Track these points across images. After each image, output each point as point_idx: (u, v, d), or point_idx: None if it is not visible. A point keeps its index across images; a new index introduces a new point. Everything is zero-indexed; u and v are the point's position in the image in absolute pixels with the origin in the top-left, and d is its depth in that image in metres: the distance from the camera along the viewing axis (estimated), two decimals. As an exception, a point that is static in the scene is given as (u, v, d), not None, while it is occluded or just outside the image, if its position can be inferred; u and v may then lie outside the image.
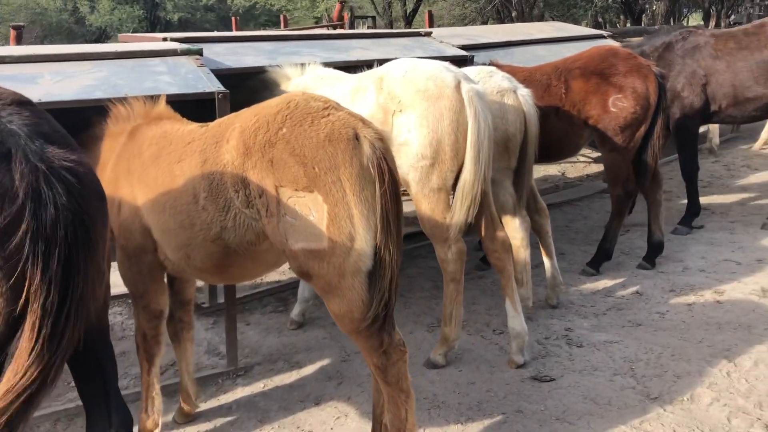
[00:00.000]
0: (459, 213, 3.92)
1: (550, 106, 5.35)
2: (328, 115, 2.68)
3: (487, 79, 4.65)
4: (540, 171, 9.39)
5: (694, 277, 5.54)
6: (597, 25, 15.38)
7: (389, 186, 2.67)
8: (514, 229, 4.73)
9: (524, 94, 4.64)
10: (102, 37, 38.62)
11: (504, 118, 4.58)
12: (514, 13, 19.29)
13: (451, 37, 6.92)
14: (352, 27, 11.34)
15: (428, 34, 6.60)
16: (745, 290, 5.19)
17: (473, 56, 6.24)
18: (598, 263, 5.72)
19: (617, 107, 5.19)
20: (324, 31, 9.40)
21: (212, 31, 22.95)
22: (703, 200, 7.80)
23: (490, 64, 5.74)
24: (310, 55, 5.36)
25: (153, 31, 43.66)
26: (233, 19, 17.92)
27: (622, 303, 5.14)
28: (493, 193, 4.67)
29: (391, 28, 25.50)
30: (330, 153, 2.59)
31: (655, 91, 5.20)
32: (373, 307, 2.70)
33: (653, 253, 5.79)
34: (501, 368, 4.28)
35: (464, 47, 6.63)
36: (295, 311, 4.98)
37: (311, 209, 2.63)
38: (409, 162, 3.96)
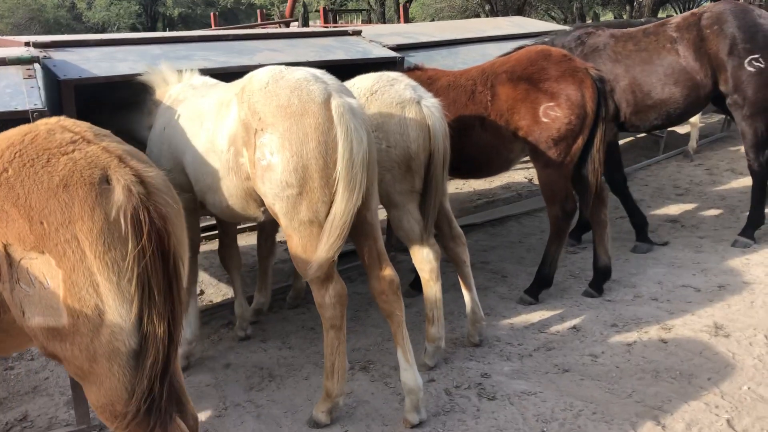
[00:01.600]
0: (322, 249, 3.29)
1: (474, 116, 4.71)
2: (72, 151, 2.08)
3: (386, 89, 4.03)
4: (504, 177, 8.74)
5: (643, 308, 4.89)
6: (582, 18, 14.64)
7: (151, 242, 2.05)
8: (421, 260, 4.12)
9: (429, 105, 4.01)
10: (102, 32, 38.07)
11: (404, 133, 3.95)
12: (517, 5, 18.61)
13: (388, 36, 6.29)
14: (306, 23, 10.71)
15: (357, 33, 5.97)
16: (696, 326, 4.54)
17: (403, 57, 5.61)
18: (536, 291, 5.08)
19: (549, 117, 4.54)
20: (267, 29, 8.79)
21: (211, 26, 22.42)
22: (675, 210, 7.17)
23: (414, 68, 5.12)
24: (203, 59, 4.76)
25: (154, 27, 43.27)
26: (212, 15, 17.39)
27: (554, 341, 4.51)
28: (395, 219, 4.08)
29: (384, 21, 24.86)
30: (64, 203, 1.99)
31: (593, 97, 4.54)
32: (135, 396, 2.09)
33: (600, 279, 5.14)
34: (396, 427, 3.67)
35: (399, 47, 6.02)
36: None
37: (45, 275, 2.03)
38: (273, 191, 3.35)
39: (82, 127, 2.22)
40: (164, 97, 4.21)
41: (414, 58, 6.01)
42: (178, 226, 2.23)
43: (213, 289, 5.60)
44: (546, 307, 5.03)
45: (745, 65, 5.36)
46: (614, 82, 5.55)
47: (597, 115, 4.59)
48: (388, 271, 3.59)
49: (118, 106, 4.64)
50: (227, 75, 4.37)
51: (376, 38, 6.12)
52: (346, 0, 31.11)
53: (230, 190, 3.65)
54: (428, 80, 4.94)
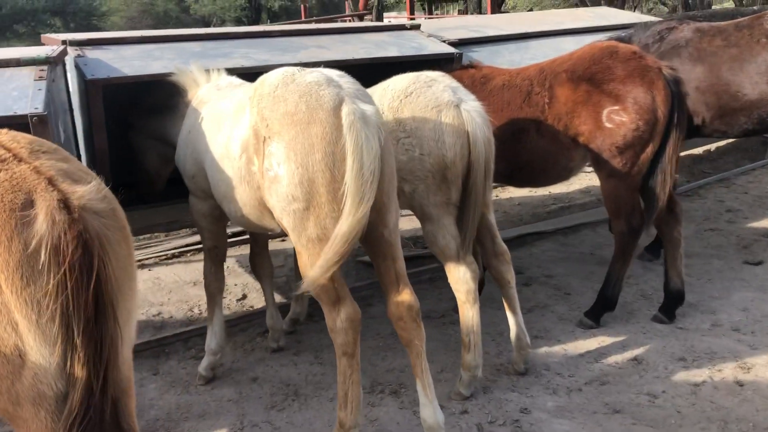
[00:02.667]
0: (320, 263, 2.96)
1: (530, 119, 4.26)
2: (-2, 171, 1.85)
3: (422, 91, 3.66)
4: (584, 180, 8.12)
5: (721, 340, 4.29)
6: (688, 6, 13.49)
7: (73, 275, 1.81)
8: (457, 280, 3.75)
9: (470, 108, 3.61)
10: (205, 26, 39.34)
11: (439, 140, 3.57)
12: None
13: (452, 29, 5.90)
14: (379, 17, 10.36)
15: (415, 27, 5.60)
16: (781, 367, 3.92)
17: (461, 53, 5.20)
18: (598, 314, 4.57)
19: (613, 122, 4.03)
20: (337, 24, 8.54)
21: (311, 17, 22.52)
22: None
23: (468, 65, 4.71)
24: (243, 56, 4.55)
25: (258, 19, 44.27)
26: (302, 7, 17.38)
27: (610, 374, 4.01)
28: (428, 234, 3.73)
29: (480, 12, 24.20)
30: (-21, 231, 1.77)
31: (665, 101, 3.99)
32: None
33: (671, 304, 4.57)
34: (415, 466, 3.33)
35: (462, 42, 5.62)
36: (203, 364, 4.20)
37: (-40, 311, 1.82)
38: (280, 204, 3.07)
39: (21, 142, 2.01)
40: (193, 99, 4.02)
41: (478, 54, 5.59)
42: (120, 254, 1.98)
43: (256, 294, 5.41)
44: (607, 333, 4.51)
45: None
46: (694, 83, 4.90)
47: (669, 120, 4.03)
48: (407, 296, 3.24)
49: (155, 109, 4.49)
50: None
51: (438, 32, 5.73)
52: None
53: (244, 200, 3.41)
54: (482, 79, 4.53)
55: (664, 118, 4.01)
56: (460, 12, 25.99)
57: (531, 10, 26.36)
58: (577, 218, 6.82)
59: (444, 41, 5.46)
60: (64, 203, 1.84)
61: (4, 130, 2.09)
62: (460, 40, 5.60)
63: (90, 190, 1.91)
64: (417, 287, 5.36)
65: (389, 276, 3.25)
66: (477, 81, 4.53)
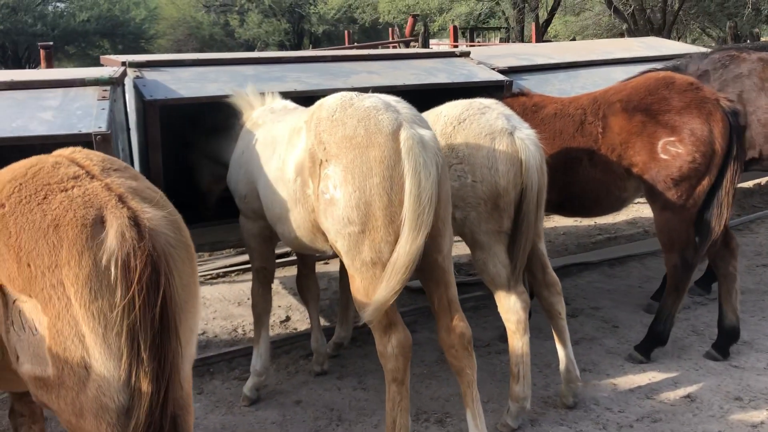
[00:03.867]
0: (381, 292, 2.96)
1: (583, 149, 4.22)
2: (72, 188, 1.90)
3: (475, 117, 3.65)
4: (630, 211, 7.99)
5: (778, 380, 4.15)
6: (737, 38, 13.29)
7: (142, 292, 1.83)
8: (508, 310, 3.70)
9: (524, 136, 3.59)
10: (248, 49, 40.03)
11: (492, 167, 3.56)
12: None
13: (501, 57, 5.89)
14: (425, 44, 10.41)
15: (465, 54, 5.61)
16: (843, 410, 3.77)
17: (511, 81, 5.19)
18: (648, 349, 4.46)
19: (669, 154, 3.97)
20: (387, 50, 8.60)
21: (353, 43, 22.85)
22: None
23: (519, 93, 4.70)
24: (296, 80, 4.61)
25: (300, 43, 44.97)
26: (346, 33, 17.59)
27: (662, 411, 3.90)
28: (479, 262, 3.70)
29: (522, 40, 24.20)
30: (52, 245, 1.81)
31: (723, 134, 3.91)
32: None
33: (725, 341, 4.44)
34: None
35: (511, 69, 5.61)
36: (248, 385, 4.20)
37: (35, 321, 1.85)
38: (335, 227, 3.08)
39: (94, 159, 2.05)
40: (247, 121, 4.08)
41: (527, 82, 5.58)
42: (184, 272, 2.00)
43: (299, 315, 5.42)
44: (658, 368, 4.40)
45: None
46: (755, 114, 4.80)
47: (727, 152, 3.95)
48: (460, 323, 3.21)
49: (213, 130, 4.57)
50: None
51: (488, 60, 5.73)
52: (488, 17, 30.74)
53: (297, 222, 3.42)
54: (533, 107, 4.51)
55: (721, 150, 3.94)
56: (502, 40, 26.03)
57: (573, 39, 26.29)
58: (623, 250, 6.70)
59: (493, 68, 5.46)
60: (134, 220, 1.87)
61: (78, 148, 2.14)
62: (510, 67, 5.59)
63: (159, 208, 1.94)
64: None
65: (441, 303, 3.23)
66: (528, 109, 4.51)
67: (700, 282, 5.59)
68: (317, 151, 3.11)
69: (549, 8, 22.91)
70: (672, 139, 3.94)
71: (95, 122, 3.18)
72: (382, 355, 3.15)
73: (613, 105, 4.14)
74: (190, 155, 4.83)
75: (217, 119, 4.47)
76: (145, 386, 1.89)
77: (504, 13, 23.47)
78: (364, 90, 4.19)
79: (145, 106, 3.95)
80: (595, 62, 6.10)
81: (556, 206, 4.53)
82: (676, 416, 3.84)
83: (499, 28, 26.91)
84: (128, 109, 4.40)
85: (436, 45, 20.10)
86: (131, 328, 1.83)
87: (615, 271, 6.32)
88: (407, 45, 10.48)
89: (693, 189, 4.01)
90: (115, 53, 35.74)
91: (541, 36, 22.91)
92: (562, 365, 3.95)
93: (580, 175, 4.25)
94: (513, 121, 3.67)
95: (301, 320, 5.36)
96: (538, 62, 5.87)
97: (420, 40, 10.87)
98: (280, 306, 5.62)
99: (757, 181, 9.08)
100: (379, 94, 3.22)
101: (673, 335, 4.76)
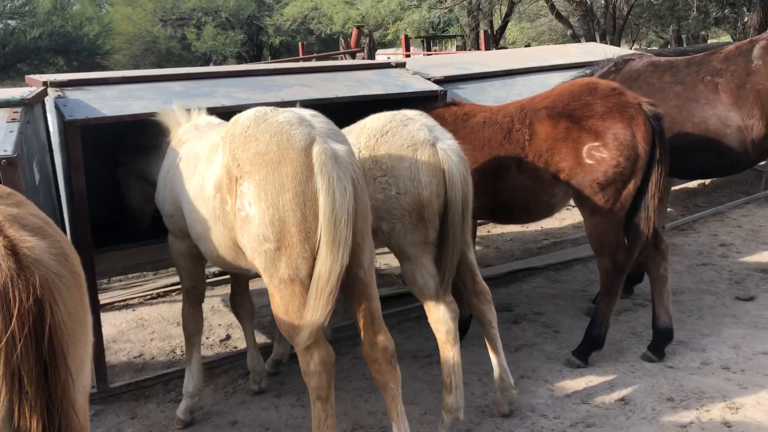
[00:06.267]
0: (312, 312, 2.93)
1: (511, 156, 4.24)
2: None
3: (398, 129, 3.64)
4: (577, 215, 8.07)
5: (710, 379, 4.20)
6: (679, 41, 13.53)
7: (22, 325, 1.76)
8: (437, 320, 3.69)
9: (446, 147, 3.59)
10: (206, 62, 39.70)
11: (415, 179, 3.55)
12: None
13: (438, 67, 5.91)
14: (371, 54, 10.43)
15: (401, 65, 5.61)
16: (771, 406, 3.83)
17: (445, 91, 5.20)
18: (585, 353, 4.49)
19: (594, 159, 4.00)
20: (323, 62, 8.58)
21: (311, 53, 22.76)
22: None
23: (450, 103, 4.70)
24: (225, 96, 4.55)
25: (260, 55, 44.73)
26: (300, 44, 17.59)
27: (596, 415, 3.91)
28: (407, 273, 3.68)
29: (478, 47, 24.43)
30: None
31: (646, 137, 3.97)
32: None
33: (660, 342, 4.49)
34: None
35: (448, 79, 5.63)
36: (181, 407, 4.12)
37: None
38: (252, 245, 3.03)
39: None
40: (173, 139, 4.02)
41: (463, 91, 5.61)
42: (70, 300, 1.93)
43: (240, 334, 5.33)
44: (596, 372, 4.43)
45: None
46: None
47: (651, 156, 4.00)
48: (382, 338, 3.18)
49: (142, 148, 4.49)
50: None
51: (425, 70, 5.75)
52: (448, 26, 30.97)
53: (219, 240, 3.37)
54: (464, 116, 4.52)
55: (645, 154, 3.99)
56: (458, 48, 26.27)
57: (528, 45, 26.63)
58: (568, 254, 6.76)
59: (429, 79, 5.47)
60: (12, 249, 1.80)
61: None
62: (446, 77, 5.61)
63: (43, 236, 1.87)
64: (404, 326, 5.34)
65: (364, 317, 3.20)
66: (459, 118, 4.52)
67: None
68: (232, 168, 3.07)
69: (503, 15, 23.13)
70: (596, 144, 3.98)
71: (0, 146, 3.09)
72: (306, 373, 3.11)
73: (539, 112, 4.17)
74: (121, 175, 4.75)
75: (145, 138, 4.40)
76: (34, 423, 1.81)
77: (458, 21, 23.65)
78: (291, 104, 4.18)
79: (65, 126, 3.86)
80: (531, 69, 6.16)
81: (489, 213, 4.55)
82: (609, 420, 3.86)
83: (455, 36, 27.12)
84: (51, 130, 4.31)
85: (392, 54, 20.17)
86: (11, 362, 1.76)
87: (560, 275, 6.36)
88: (353, 56, 10.49)
89: (619, 193, 4.05)
90: (71, 70, 35.18)
91: (496, 43, 23.17)
92: (495, 373, 3.95)
93: (510, 182, 4.26)
94: (435, 132, 3.67)
95: (241, 338, 5.26)
96: (474, 71, 5.90)
97: (365, 50, 10.88)
98: (220, 324, 5.54)
99: (701, 181, 9.26)
100: (294, 109, 3.19)
101: (612, 337, 4.81)
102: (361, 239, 3.10)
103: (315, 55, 15.51)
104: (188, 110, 4.03)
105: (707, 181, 9.33)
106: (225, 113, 4.23)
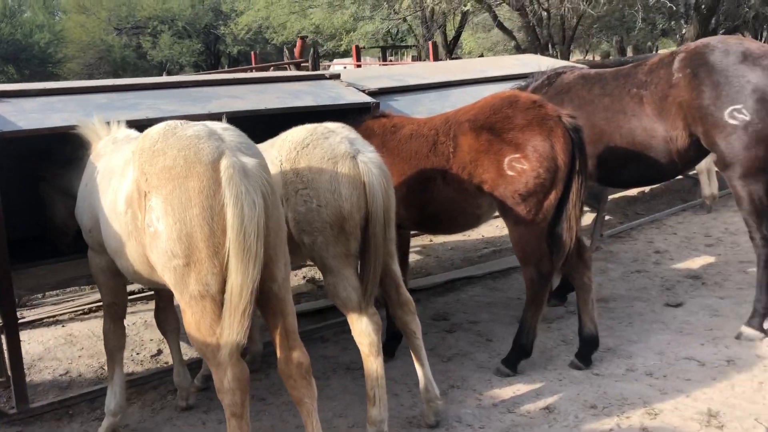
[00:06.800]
0: (228, 329, 2.90)
1: (436, 169, 4.28)
2: None
3: (318, 142, 3.64)
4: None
5: (633, 385, 4.27)
6: (623, 51, 13.87)
7: None
8: (360, 333, 3.69)
9: (367, 160, 3.60)
10: (161, 71, 39.26)
11: (336, 191, 3.55)
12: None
13: (373, 78, 5.93)
14: (315, 66, 10.49)
15: (335, 77, 5.62)
16: (688, 412, 3.91)
17: (378, 103, 5.23)
18: (514, 362, 4.53)
19: (515, 170, 4.06)
20: (252, 74, 8.56)
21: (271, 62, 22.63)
22: (700, 264, 6.49)
23: (380, 115, 4.73)
24: (150, 107, 4.50)
25: (217, 64, 44.39)
26: (252, 54, 17.50)
27: (521, 424, 3.95)
28: (329, 286, 3.68)
29: (436, 57, 24.60)
30: None
31: (565, 149, 4.03)
32: None
33: (586, 350, 4.56)
34: None
35: (382, 91, 5.65)
36: (103, 426, 4.03)
37: None
38: (161, 261, 2.99)
39: None
40: (93, 152, 3.95)
41: (398, 103, 5.64)
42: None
43: (172, 349, 5.26)
44: (524, 380, 4.47)
45: (726, 117, 4.47)
46: None
47: (571, 167, 4.07)
48: (297, 353, 3.17)
49: (64, 162, 4.40)
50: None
51: (359, 81, 5.76)
52: (406, 36, 31.12)
53: (133, 256, 3.32)
54: (392, 128, 4.55)
55: (565, 165, 4.05)
56: (414, 58, 26.44)
57: (482, 55, 26.95)
58: (506, 262, 6.83)
59: (363, 90, 5.48)
60: None
61: None
62: (380, 89, 5.63)
63: None
64: (341, 337, 5.32)
65: (280, 333, 3.18)
66: (388, 130, 4.55)
67: (555, 293, 5.68)
68: (141, 183, 3.03)
69: (456, 26, 23.38)
70: (517, 155, 4.03)
71: None
72: (219, 390, 3.07)
73: (462, 125, 4.21)
74: (44, 189, 4.65)
75: (66, 152, 4.32)
76: None
77: (413, 31, 23.80)
78: (216, 117, 4.15)
79: (-22, 141, 3.77)
80: (467, 81, 6.22)
81: (416, 224, 4.58)
82: (532, 429, 3.90)
83: (410, 46, 27.30)
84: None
85: (348, 64, 20.21)
86: None
87: (497, 283, 6.43)
88: (298, 66, 10.50)
89: (541, 203, 4.11)
90: (22, 78, 34.38)
91: (450, 53, 23.39)
92: (421, 384, 3.96)
93: (435, 193, 4.30)
94: (356, 145, 3.68)
95: (173, 353, 5.20)
96: (409, 83, 5.93)
97: (310, 61, 10.91)
98: (152, 339, 5.46)
99: (640, 189, 9.46)
100: (206, 122, 3.16)
101: (542, 345, 4.88)
102: (274, 253, 3.09)
103: (272, 64, 15.45)
104: (108, 123, 3.97)
105: (646, 189, 9.54)
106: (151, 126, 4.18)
